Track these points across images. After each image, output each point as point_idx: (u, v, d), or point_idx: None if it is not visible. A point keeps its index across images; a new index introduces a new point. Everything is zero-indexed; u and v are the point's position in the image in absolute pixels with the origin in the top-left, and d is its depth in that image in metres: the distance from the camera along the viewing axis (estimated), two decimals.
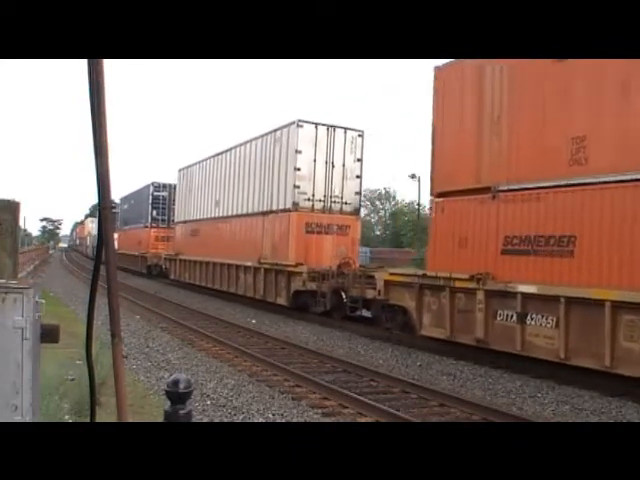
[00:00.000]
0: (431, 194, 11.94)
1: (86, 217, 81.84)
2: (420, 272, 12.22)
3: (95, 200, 2.67)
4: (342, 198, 17.27)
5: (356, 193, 17.65)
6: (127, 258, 36.98)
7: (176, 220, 28.23)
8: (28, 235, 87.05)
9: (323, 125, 16.92)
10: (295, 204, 16.68)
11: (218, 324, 14.70)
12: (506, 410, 7.30)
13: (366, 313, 14.67)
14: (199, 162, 25.17)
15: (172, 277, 27.42)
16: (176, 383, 2.55)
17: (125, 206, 40.65)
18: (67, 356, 7.37)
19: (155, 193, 33.17)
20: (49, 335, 2.51)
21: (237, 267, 19.86)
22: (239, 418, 6.83)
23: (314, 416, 7.07)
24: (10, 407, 2.27)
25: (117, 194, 42.37)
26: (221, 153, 22.54)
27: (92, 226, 58.92)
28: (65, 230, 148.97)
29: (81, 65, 2.48)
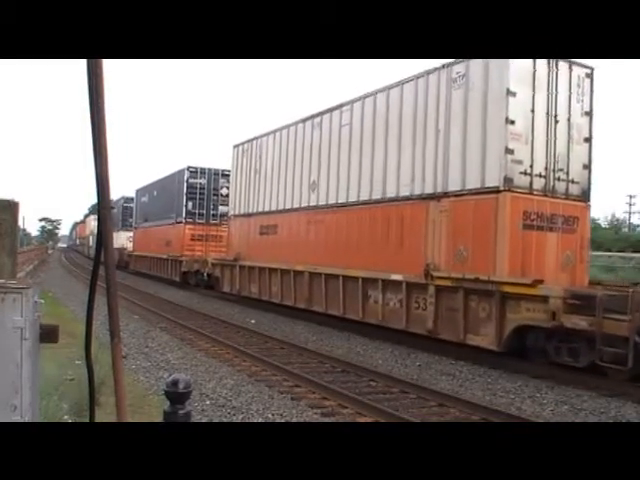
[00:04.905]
0: None
1: (86, 216, 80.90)
2: None
3: (94, 200, 2.67)
4: (568, 173, 10.92)
5: (584, 166, 11.20)
6: (149, 262, 31.12)
7: (232, 213, 20.89)
8: (27, 235, 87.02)
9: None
10: (508, 180, 10.13)
11: (217, 324, 14.70)
12: (505, 410, 7.30)
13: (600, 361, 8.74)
14: (274, 131, 17.78)
15: (226, 290, 20.27)
16: (175, 383, 2.55)
17: (144, 199, 34.01)
18: (66, 356, 7.36)
19: (191, 180, 25.85)
20: (48, 335, 2.51)
21: (365, 282, 13.19)
22: (238, 418, 6.83)
23: (313, 416, 7.07)
24: (9, 407, 2.26)
25: (117, 193, 41.98)
26: (321, 114, 15.38)
27: (94, 224, 57.14)
28: (64, 230, 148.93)
29: (81, 65, 2.47)
